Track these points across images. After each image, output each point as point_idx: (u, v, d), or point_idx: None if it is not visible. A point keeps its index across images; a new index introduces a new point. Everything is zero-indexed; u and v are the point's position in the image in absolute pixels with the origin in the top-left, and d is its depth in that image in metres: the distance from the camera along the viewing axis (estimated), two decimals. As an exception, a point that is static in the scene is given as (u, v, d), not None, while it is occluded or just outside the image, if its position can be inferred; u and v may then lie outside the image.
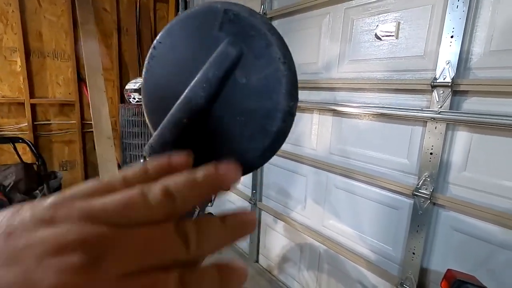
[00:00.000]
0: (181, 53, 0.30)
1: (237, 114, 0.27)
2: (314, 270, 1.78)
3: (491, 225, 1.04)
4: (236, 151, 0.28)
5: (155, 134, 0.29)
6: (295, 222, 1.83)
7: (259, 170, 2.11)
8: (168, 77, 0.31)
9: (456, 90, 1.06)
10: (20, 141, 1.95)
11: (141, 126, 2.43)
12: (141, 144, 2.47)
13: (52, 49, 2.79)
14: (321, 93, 1.62)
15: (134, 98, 2.42)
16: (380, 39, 1.32)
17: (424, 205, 1.17)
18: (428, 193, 1.15)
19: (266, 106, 0.27)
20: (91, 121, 2.87)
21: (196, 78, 0.27)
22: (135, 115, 2.40)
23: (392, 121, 1.30)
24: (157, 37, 0.32)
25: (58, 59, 2.83)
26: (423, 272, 1.23)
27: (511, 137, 0.98)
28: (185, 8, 2.86)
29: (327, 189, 1.65)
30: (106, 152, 2.29)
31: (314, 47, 1.64)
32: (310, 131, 1.71)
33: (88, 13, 2.58)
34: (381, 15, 1.31)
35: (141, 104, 2.21)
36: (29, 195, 1.86)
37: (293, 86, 0.27)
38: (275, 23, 1.89)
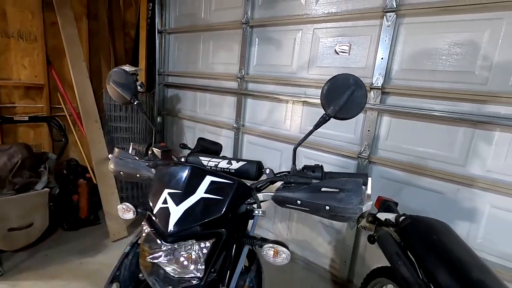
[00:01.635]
0: None
1: None
2: (286, 221, 2.39)
3: (400, 171, 1.77)
4: None
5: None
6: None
7: (239, 146, 2.60)
8: None
9: (383, 91, 1.75)
10: (54, 120, 2.11)
11: (125, 110, 2.65)
12: (126, 128, 2.68)
13: (16, 29, 2.71)
14: (294, 88, 2.19)
15: (120, 85, 2.60)
16: (338, 53, 1.94)
17: (364, 163, 1.86)
18: (366, 155, 1.84)
19: None
20: (60, 105, 2.91)
21: None
22: (121, 100, 2.60)
23: (345, 110, 1.95)
24: None
25: (23, 40, 2.76)
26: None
27: (411, 120, 1.70)
28: None
29: (298, 159, 2.24)
30: (95, 135, 2.46)
31: (289, 53, 2.19)
32: (285, 116, 2.27)
33: (64, -4, 2.61)
34: (339, 37, 1.93)
35: None
36: (35, 172, 1.96)
37: None
38: (255, 30, 2.37)
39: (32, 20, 2.74)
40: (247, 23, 2.37)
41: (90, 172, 2.75)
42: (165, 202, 0.66)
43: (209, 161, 0.83)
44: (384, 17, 1.70)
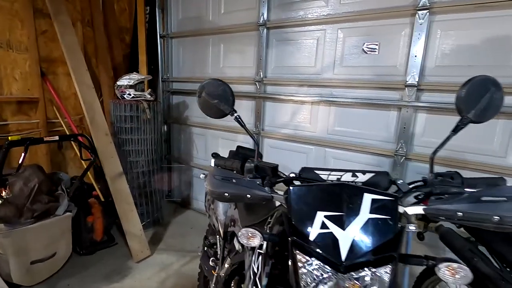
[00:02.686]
0: None
1: None
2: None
3: (438, 166, 1.79)
4: None
5: None
6: (298, 190, 2.35)
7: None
8: None
9: (418, 88, 1.77)
10: (83, 137, 1.98)
11: (135, 122, 2.49)
12: (138, 140, 2.52)
13: (5, 39, 2.46)
14: (319, 89, 2.16)
15: (130, 94, 2.44)
16: (366, 52, 1.94)
17: (401, 160, 1.88)
18: (404, 152, 1.85)
19: None
20: (58, 119, 2.69)
21: None
22: (131, 110, 2.44)
23: (376, 109, 1.96)
24: None
25: (13, 51, 2.51)
26: (400, 203, 1.95)
27: (447, 115, 1.73)
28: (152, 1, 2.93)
29: (325, 160, 2.23)
30: (107, 149, 2.28)
31: (311, 54, 2.16)
32: (310, 118, 2.24)
33: (59, 2, 2.40)
34: (366, 36, 1.93)
35: (137, 100, 2.30)
36: (52, 196, 1.77)
37: None
38: (272, 32, 2.32)
39: (22, 29, 2.51)
40: (263, 24, 2.31)
41: (97, 189, 2.56)
42: (324, 226, 0.59)
43: (329, 174, 0.77)
44: (417, 15, 1.71)
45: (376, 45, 1.90)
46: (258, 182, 0.76)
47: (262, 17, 2.31)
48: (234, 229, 1.22)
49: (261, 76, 2.39)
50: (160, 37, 2.99)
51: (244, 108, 2.60)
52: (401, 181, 0.76)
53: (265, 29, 2.32)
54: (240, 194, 0.75)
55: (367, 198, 0.61)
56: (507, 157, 1.61)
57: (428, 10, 1.68)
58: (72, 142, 2.13)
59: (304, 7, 2.15)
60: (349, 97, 2.03)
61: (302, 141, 2.29)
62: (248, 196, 0.75)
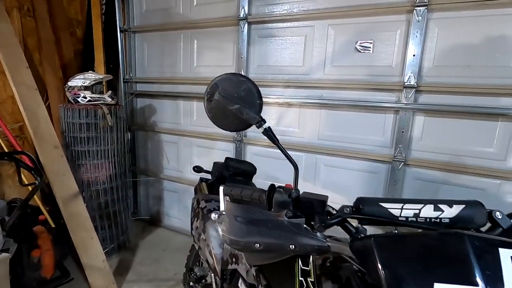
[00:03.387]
0: None
1: None
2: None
3: (436, 171, 1.71)
4: None
5: None
6: (287, 201, 2.14)
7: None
8: None
9: (417, 89, 1.67)
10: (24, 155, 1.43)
11: (93, 130, 2.08)
12: (97, 151, 2.11)
13: None
14: (307, 91, 1.98)
15: (85, 97, 2.03)
16: (359, 51, 1.80)
17: (399, 166, 1.76)
18: (402, 158, 1.74)
19: None
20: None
21: None
22: (87, 116, 2.03)
23: (370, 111, 1.83)
24: None
25: None
26: (398, 211, 1.83)
27: (446, 117, 1.65)
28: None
29: (316, 168, 2.05)
30: (57, 164, 1.85)
31: (299, 52, 1.97)
32: (298, 122, 2.05)
33: (-13, -17, 1.91)
34: (359, 33, 1.78)
35: (95, 104, 1.93)
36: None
37: None
38: (254, 27, 2.09)
39: None
40: (244, 19, 2.07)
41: (45, 212, 2.10)
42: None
43: (401, 208, 0.55)
44: (414, 11, 1.60)
45: (370, 43, 1.76)
46: (303, 224, 0.52)
47: (242, 10, 2.07)
48: (236, 267, 0.96)
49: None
50: (121, 31, 2.58)
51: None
52: (499, 213, 0.56)
53: (246, 24, 2.08)
54: (279, 244, 0.51)
55: (506, 256, 0.41)
56: (506, 160, 1.57)
57: (426, 7, 1.58)
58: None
59: (290, 0, 1.95)
60: (341, 99, 1.87)
61: (290, 148, 2.09)
62: (293, 246, 0.51)
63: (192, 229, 1.29)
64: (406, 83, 1.67)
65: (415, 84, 1.65)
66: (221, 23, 2.19)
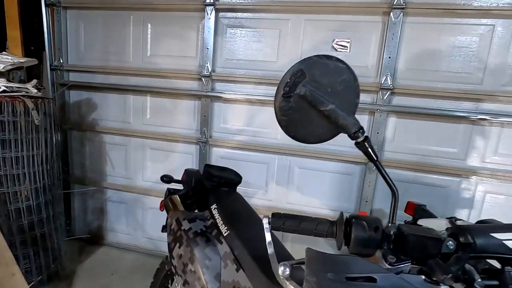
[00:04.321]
0: None
1: None
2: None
3: (406, 171, 1.77)
4: None
5: None
6: (258, 208, 1.99)
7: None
8: None
9: (392, 91, 1.69)
10: None
11: (11, 130, 1.58)
12: (16, 158, 1.61)
13: None
14: (283, 89, 1.85)
15: (-2, 87, 1.52)
16: (336, 50, 1.75)
17: (373, 167, 1.76)
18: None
19: None
20: None
21: None
22: (1, 112, 1.52)
23: (346, 112, 1.80)
24: None
25: None
26: (372, 212, 1.85)
27: (415, 119, 1.72)
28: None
29: (290, 170, 1.94)
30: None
31: (272, 46, 1.83)
32: (270, 123, 1.91)
33: None
34: (336, 31, 1.73)
35: (13, 96, 1.54)
36: None
37: None
38: (222, 15, 1.87)
39: None
40: (211, 4, 1.83)
41: None
42: None
43: None
44: (391, 13, 1.61)
45: (348, 42, 1.72)
46: (425, 278, 0.37)
47: (208, -5, 1.82)
48: (245, 307, 0.76)
49: (209, 70, 1.90)
50: (47, 5, 2.05)
51: (184, 110, 2.04)
52: None
53: (213, 11, 1.84)
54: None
55: None
56: (466, 160, 1.70)
57: (402, 10, 1.60)
58: None
59: (264, -11, 1.79)
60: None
61: (261, 150, 1.94)
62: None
63: (172, 257, 1.02)
64: (382, 85, 1.67)
65: (391, 86, 1.67)
66: (183, 7, 1.90)
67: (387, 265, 0.41)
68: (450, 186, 1.75)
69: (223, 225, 0.97)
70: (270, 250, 0.45)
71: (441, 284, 0.40)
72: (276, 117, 0.45)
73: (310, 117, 0.43)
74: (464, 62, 1.61)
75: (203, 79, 1.92)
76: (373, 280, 0.38)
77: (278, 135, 1.92)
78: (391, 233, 0.43)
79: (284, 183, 1.97)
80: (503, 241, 0.43)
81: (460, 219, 1.18)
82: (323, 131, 0.45)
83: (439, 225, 1.28)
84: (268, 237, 0.46)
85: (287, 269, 0.43)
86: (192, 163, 2.07)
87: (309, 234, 0.48)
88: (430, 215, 1.44)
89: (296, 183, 1.95)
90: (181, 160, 2.10)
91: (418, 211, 1.47)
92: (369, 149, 0.47)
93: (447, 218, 1.26)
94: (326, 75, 0.42)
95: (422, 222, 1.38)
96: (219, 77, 1.92)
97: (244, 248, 0.86)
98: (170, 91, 1.99)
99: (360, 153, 1.57)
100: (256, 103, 1.91)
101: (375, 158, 0.46)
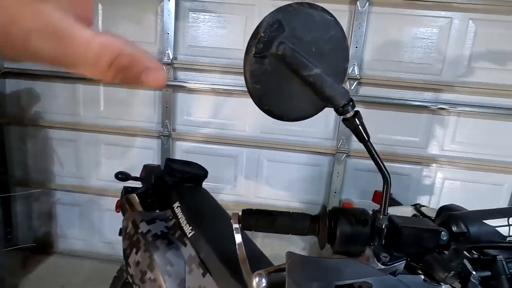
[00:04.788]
0: None
1: None
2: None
3: (369, 160, 1.79)
4: None
5: None
6: (227, 203, 1.90)
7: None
8: None
9: (359, 81, 1.69)
10: None
11: None
12: None
13: None
14: (250, 79, 1.77)
15: None
16: (303, 38, 1.70)
17: (342, 157, 1.77)
18: (345, 149, 1.75)
19: None
20: None
21: None
22: None
23: (315, 103, 1.77)
24: None
25: None
26: (340, 203, 1.86)
27: (380, 109, 1.74)
28: None
29: (259, 163, 1.88)
30: None
31: (239, 34, 1.74)
32: (239, 114, 1.82)
33: None
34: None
35: None
36: None
37: None
38: (184, -3, 1.73)
39: None
40: (171, -15, 1.67)
41: None
42: None
43: (508, 225, 0.39)
44: (358, 2, 1.60)
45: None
46: (424, 278, 0.32)
47: (168, -26, 1.67)
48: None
49: (170, 58, 1.75)
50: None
51: (143, 101, 1.87)
52: None
53: (174, -7, 1.69)
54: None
55: None
56: (427, 148, 1.77)
57: (368, 0, 1.59)
58: None
59: (228, -28, 1.68)
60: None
61: (229, 143, 1.85)
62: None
63: (128, 265, 0.90)
64: (350, 74, 1.67)
65: (358, 76, 1.67)
66: (139, -13, 1.72)
67: (380, 265, 0.36)
68: (412, 174, 1.81)
69: (187, 224, 0.87)
70: (241, 255, 0.37)
71: (441, 283, 0.36)
72: (247, 86, 0.36)
73: (290, 85, 0.35)
74: (425, 53, 1.66)
75: (164, 67, 1.76)
76: (367, 285, 0.32)
77: (246, 127, 1.84)
78: (383, 226, 0.38)
79: (253, 177, 1.90)
80: (496, 228, 0.40)
81: (424, 205, 1.19)
82: (306, 104, 0.37)
83: (405, 212, 1.29)
84: (238, 239, 0.38)
85: (263, 281, 0.35)
86: (154, 159, 1.91)
87: (286, 232, 0.41)
88: (396, 203, 1.47)
89: (265, 176, 1.89)
90: (142, 156, 1.93)
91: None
92: (360, 127, 0.41)
93: (411, 205, 1.28)
94: (309, 30, 0.34)
95: (389, 210, 1.40)
96: (181, 65, 1.78)
97: (211, 249, 0.77)
98: (126, 80, 1.80)
99: (329, 143, 1.55)
100: (223, 94, 1.80)
101: (366, 138, 0.40)
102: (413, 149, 1.77)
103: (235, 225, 0.40)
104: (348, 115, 0.38)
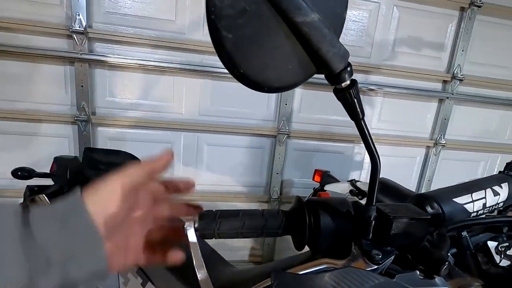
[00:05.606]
0: None
1: None
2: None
3: (311, 141, 1.85)
4: None
5: None
6: (164, 193, 1.74)
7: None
8: None
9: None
10: None
11: None
12: None
13: None
14: (185, 54, 1.59)
15: None
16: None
17: (283, 138, 1.77)
18: (286, 130, 1.75)
19: None
20: None
21: None
22: None
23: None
24: None
25: None
26: (282, 184, 1.88)
27: (316, 90, 1.77)
28: None
29: (198, 149, 1.75)
30: None
31: (169, 2, 1.52)
32: (173, 95, 1.64)
33: None
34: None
35: None
36: None
37: None
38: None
39: None
40: None
41: None
42: None
43: (472, 201, 0.37)
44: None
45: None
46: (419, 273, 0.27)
47: None
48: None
49: (82, 25, 1.43)
50: None
51: (49, 79, 1.52)
52: None
53: None
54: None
55: None
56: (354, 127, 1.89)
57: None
58: None
59: None
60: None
61: (164, 127, 1.66)
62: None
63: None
64: (289, 54, 1.63)
65: (298, 56, 1.65)
66: None
67: (372, 265, 0.31)
68: (346, 152, 1.93)
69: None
70: (201, 274, 0.28)
71: (435, 276, 0.33)
72: (212, 34, 0.25)
73: (273, 38, 0.26)
74: (357, 36, 1.73)
75: (74, 36, 1.44)
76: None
77: (183, 110, 1.67)
78: (372, 219, 0.33)
79: (192, 163, 1.76)
80: (464, 206, 0.39)
81: (358, 181, 1.26)
82: (293, 67, 0.28)
83: (343, 188, 1.35)
84: (196, 253, 0.28)
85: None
86: (70, 149, 1.60)
87: (257, 235, 0.33)
88: (334, 180, 1.52)
89: (206, 162, 1.78)
90: (53, 146, 1.59)
91: (324, 177, 1.53)
92: (356, 100, 0.34)
93: (348, 181, 1.33)
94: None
95: (328, 187, 1.44)
96: (98, 35, 1.48)
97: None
98: (23, 51, 1.42)
99: (270, 125, 1.49)
100: (154, 71, 1.58)
101: (360, 116, 0.33)
102: (347, 128, 1.87)
103: (191, 235, 0.30)
104: (344, 85, 0.30)
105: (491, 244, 0.40)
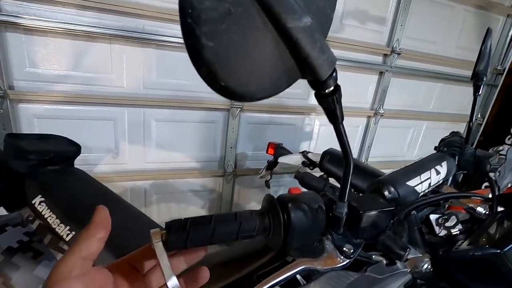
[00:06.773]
0: None
1: None
2: (141, 209, 1.80)
3: (264, 114, 1.86)
4: None
5: None
6: (109, 175, 1.61)
7: (13, 129, 1.39)
8: None
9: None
10: None
11: None
12: None
13: None
14: (123, 19, 1.39)
15: None
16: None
17: (236, 112, 1.74)
18: (239, 104, 1.71)
19: None
20: None
21: None
22: None
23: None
24: None
25: None
26: (236, 157, 1.88)
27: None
28: None
29: (145, 125, 1.63)
30: None
31: (97, -48, 1.28)
32: (111, 66, 1.45)
33: None
34: None
35: None
36: None
37: None
38: None
39: None
40: None
41: None
42: None
43: (421, 182, 0.39)
44: None
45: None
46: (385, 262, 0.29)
47: None
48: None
49: (-20, -26, 1.13)
50: None
51: None
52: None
53: None
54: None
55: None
56: (308, 99, 1.95)
57: None
58: None
59: None
60: (172, 34, 1.48)
61: (103, 102, 1.48)
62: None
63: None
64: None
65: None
66: None
67: (345, 259, 0.32)
68: (297, 124, 1.99)
69: (61, 224, 0.64)
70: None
71: (397, 261, 0.36)
72: (189, 41, 0.20)
73: (261, 44, 0.22)
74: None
75: None
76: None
77: (124, 82, 1.50)
78: (343, 215, 0.34)
79: (139, 141, 1.64)
80: (414, 188, 0.43)
81: (310, 152, 1.32)
82: (278, 74, 0.25)
83: (295, 160, 1.41)
84: (165, 268, 0.26)
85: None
86: (-17, 131, 1.34)
87: (230, 240, 0.31)
88: (286, 152, 1.57)
89: (155, 139, 1.67)
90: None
91: (277, 150, 1.57)
92: (337, 106, 0.32)
93: (300, 153, 1.39)
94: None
95: (281, 159, 1.49)
96: (5, -11, 1.20)
97: (108, 250, 0.60)
98: None
99: (222, 98, 1.44)
100: (84, 37, 1.36)
101: (340, 120, 0.32)
102: (298, 100, 1.91)
103: (158, 249, 0.27)
104: (327, 91, 0.29)
105: (433, 217, 0.46)
